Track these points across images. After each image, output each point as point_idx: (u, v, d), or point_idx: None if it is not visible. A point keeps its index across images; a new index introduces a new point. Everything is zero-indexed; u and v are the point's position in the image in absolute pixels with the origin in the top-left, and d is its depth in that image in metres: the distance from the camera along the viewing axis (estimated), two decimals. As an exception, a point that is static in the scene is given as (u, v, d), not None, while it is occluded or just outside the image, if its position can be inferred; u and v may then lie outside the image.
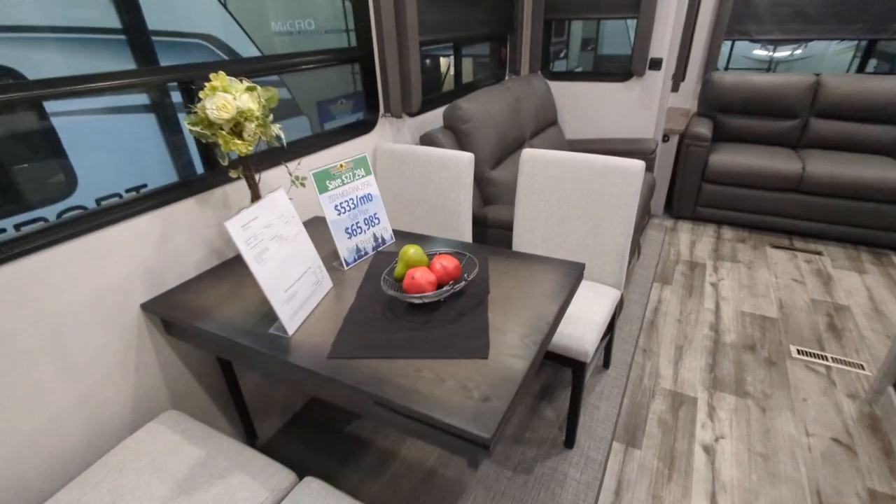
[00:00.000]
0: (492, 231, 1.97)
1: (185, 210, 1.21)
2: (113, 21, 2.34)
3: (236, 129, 1.06)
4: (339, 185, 1.21)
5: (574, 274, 1.15)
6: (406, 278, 1.01)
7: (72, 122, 2.17)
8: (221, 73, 1.05)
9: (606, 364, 1.88)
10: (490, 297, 1.07)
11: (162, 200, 1.15)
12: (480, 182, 2.06)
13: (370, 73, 1.77)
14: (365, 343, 0.93)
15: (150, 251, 1.14)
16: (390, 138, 1.92)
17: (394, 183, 1.82)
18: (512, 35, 2.82)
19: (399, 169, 1.78)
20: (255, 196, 1.21)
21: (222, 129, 1.05)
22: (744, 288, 2.40)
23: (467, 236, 1.72)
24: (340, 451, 1.55)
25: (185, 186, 1.21)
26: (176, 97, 2.65)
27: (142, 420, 1.19)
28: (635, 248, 2.72)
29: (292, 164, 1.43)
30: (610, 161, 1.48)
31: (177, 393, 1.27)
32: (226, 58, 2.89)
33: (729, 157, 2.86)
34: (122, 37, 2.40)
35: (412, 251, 1.06)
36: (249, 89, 1.07)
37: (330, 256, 1.29)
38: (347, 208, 1.23)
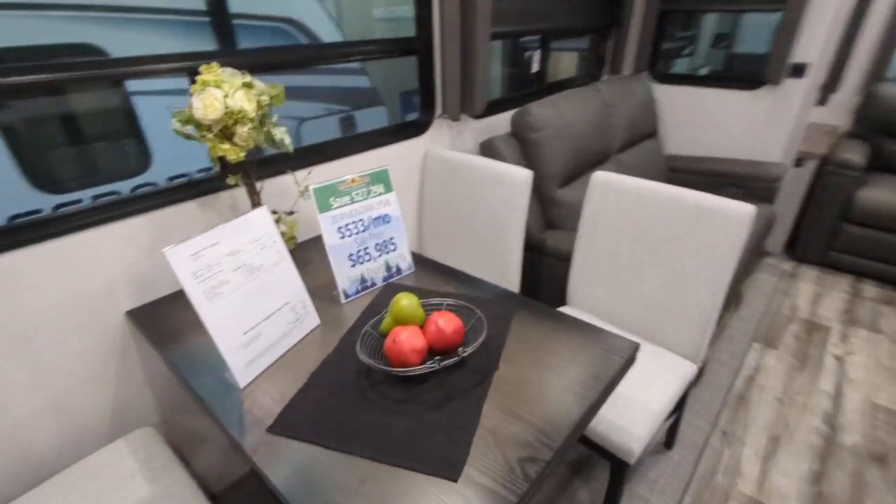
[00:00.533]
0: (548, 261, 1.67)
1: (184, 214, 1.10)
2: (197, 2, 2.37)
3: (226, 131, 0.91)
4: (347, 204, 1.02)
5: (621, 356, 0.85)
6: (388, 339, 0.79)
7: (149, 101, 2.23)
8: (215, 64, 0.90)
9: (669, 443, 1.51)
10: (498, 374, 0.82)
11: (158, 202, 1.05)
12: (545, 201, 1.76)
13: (427, 68, 1.55)
14: (316, 421, 0.74)
15: (140, 256, 1.05)
16: (447, 143, 1.70)
17: (440, 195, 1.60)
18: (617, 28, 2.43)
19: (448, 179, 1.56)
20: (258, 205, 1.07)
21: (211, 130, 0.90)
22: (883, 370, 1.84)
23: (514, 266, 1.45)
24: None
25: (188, 188, 1.10)
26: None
27: (121, 431, 1.12)
28: (732, 298, 2.23)
29: (302, 173, 1.26)
30: (707, 200, 1.13)
31: (166, 407, 1.19)
32: (306, 42, 2.86)
33: (886, 194, 2.22)
34: (205, 19, 2.41)
35: (405, 302, 0.84)
36: (246, 86, 0.91)
37: (331, 283, 1.11)
38: (354, 231, 1.04)
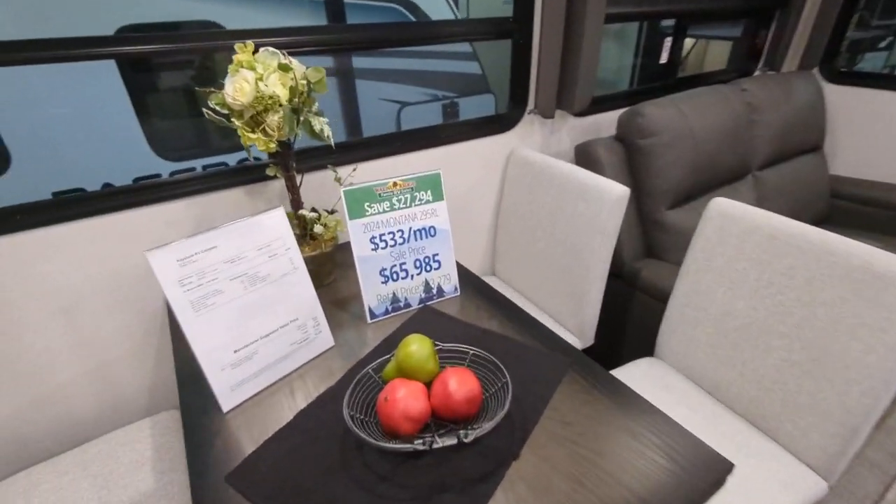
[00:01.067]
0: (639, 297, 1.37)
1: (230, 200, 1.05)
2: (310, -19, 2.38)
3: (258, 118, 0.81)
4: (386, 211, 0.88)
5: (704, 478, 0.60)
6: (381, 394, 0.63)
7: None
8: (250, 43, 0.80)
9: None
10: (515, 466, 0.62)
11: (203, 187, 1.01)
12: (647, 223, 1.45)
13: (523, 54, 1.33)
14: (277, 484, 0.61)
15: (182, 240, 1.02)
16: (537, 143, 1.47)
17: (520, 203, 1.39)
18: (783, 11, 1.93)
19: (530, 186, 1.34)
20: (296, 204, 0.97)
21: (242, 116, 0.81)
22: None
23: (593, 298, 1.20)
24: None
25: (236, 174, 1.05)
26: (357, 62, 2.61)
27: (153, 409, 1.13)
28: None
29: (346, 169, 1.14)
30: (879, 261, 0.78)
31: (200, 388, 1.19)
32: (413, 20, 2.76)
33: None
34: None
35: (414, 347, 0.67)
36: (283, 68, 0.80)
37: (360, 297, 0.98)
38: (390, 243, 0.90)
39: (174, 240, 0.66)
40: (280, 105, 0.80)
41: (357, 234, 0.86)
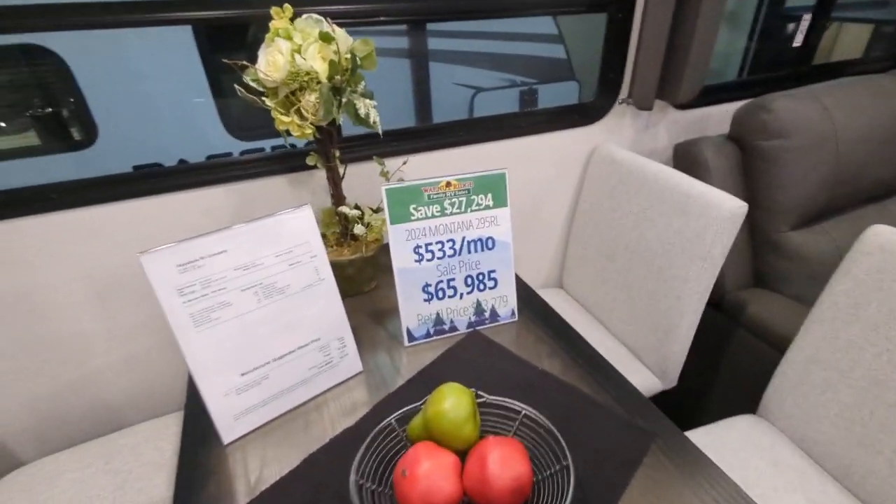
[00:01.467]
0: (742, 335, 1.12)
1: (271, 189, 0.95)
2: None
3: (293, 98, 0.69)
4: (435, 216, 0.73)
5: None
6: (398, 467, 0.49)
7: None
8: (287, 7, 0.67)
9: None
10: (572, 586, 0.45)
11: (242, 173, 0.92)
12: (760, 244, 1.18)
13: (620, 31, 1.11)
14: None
15: (219, 229, 0.94)
16: (627, 139, 1.24)
17: (600, 208, 1.18)
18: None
19: (613, 190, 1.13)
20: (338, 199, 0.85)
21: (277, 94, 0.69)
22: None
23: (682, 336, 0.98)
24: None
25: (280, 160, 0.94)
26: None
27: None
28: None
29: (395, 162, 0.98)
30: None
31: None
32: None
33: None
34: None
35: (449, 404, 0.51)
36: (324, 38, 0.67)
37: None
38: (438, 254, 0.74)
39: (209, 229, 0.56)
40: (318, 83, 0.66)
41: (398, 241, 0.72)
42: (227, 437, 0.61)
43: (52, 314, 0.89)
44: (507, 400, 0.58)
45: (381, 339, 0.79)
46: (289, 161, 0.94)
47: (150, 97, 2.03)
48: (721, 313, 1.16)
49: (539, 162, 1.17)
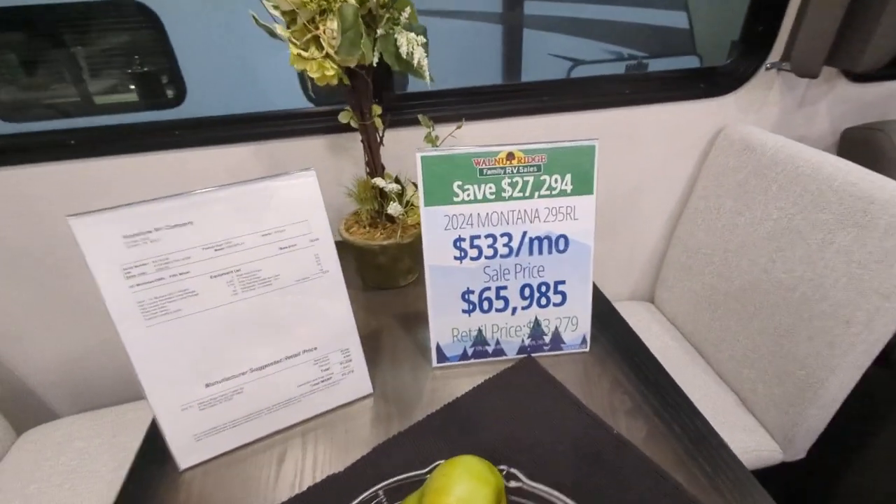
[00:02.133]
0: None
1: (305, 151, 0.80)
2: None
3: (314, 26, 0.52)
4: (487, 199, 0.53)
5: None
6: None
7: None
8: None
9: None
10: None
11: (272, 131, 0.78)
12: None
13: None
14: None
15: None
16: (770, 118, 0.93)
17: (718, 208, 0.90)
18: None
19: (745, 184, 0.84)
20: (374, 168, 0.68)
21: (295, 22, 0.53)
22: None
23: (828, 399, 0.70)
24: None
25: (319, 118, 0.79)
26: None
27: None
28: None
29: (449, 127, 0.77)
30: None
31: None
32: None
33: None
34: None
35: (462, 491, 0.33)
36: (356, -57, 0.48)
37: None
38: (487, 252, 0.55)
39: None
40: (342, 2, 0.49)
41: (434, 229, 0.53)
42: (183, 461, 0.48)
43: (76, 271, 0.83)
44: (551, 491, 0.38)
45: (407, 352, 0.62)
46: (326, 119, 0.78)
47: (239, 59, 2.01)
48: (889, 371, 0.83)
49: (643, 141, 0.91)
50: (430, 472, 0.37)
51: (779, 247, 0.76)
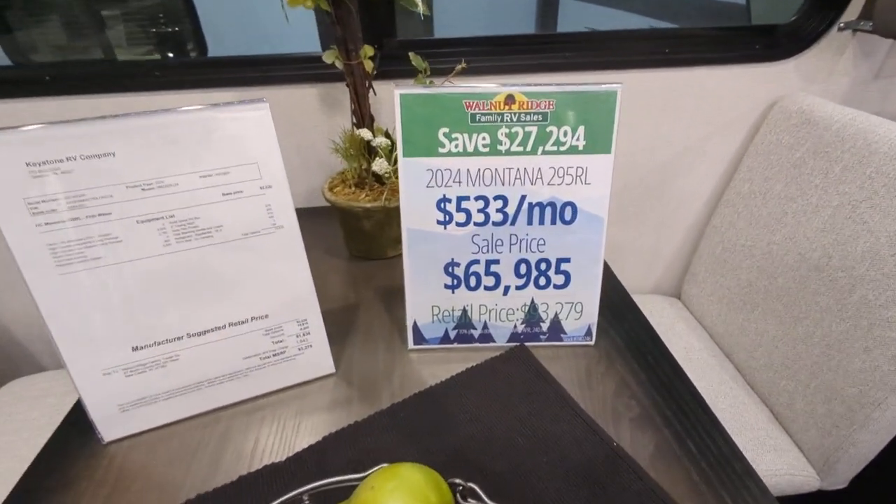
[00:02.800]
0: None
1: (294, 100, 0.73)
2: None
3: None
4: (480, 152, 0.44)
5: None
6: None
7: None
8: None
9: None
10: None
11: (260, 75, 0.70)
12: None
13: None
14: None
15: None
16: (837, 89, 0.80)
17: (763, 193, 0.78)
18: None
19: (801, 164, 0.72)
20: (361, 117, 0.59)
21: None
22: None
23: (882, 426, 0.58)
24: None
25: (307, 63, 0.71)
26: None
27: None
28: None
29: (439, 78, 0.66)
30: None
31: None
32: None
33: None
34: None
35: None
36: None
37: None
38: (477, 218, 0.46)
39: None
40: None
41: (413, 184, 0.45)
42: (106, 432, 0.42)
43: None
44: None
45: (383, 330, 0.54)
46: (316, 66, 0.70)
47: (257, 18, 1.96)
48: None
49: (681, 111, 0.79)
50: (364, 478, 0.29)
51: (837, 240, 0.64)
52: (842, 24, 0.72)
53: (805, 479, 0.66)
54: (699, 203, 0.90)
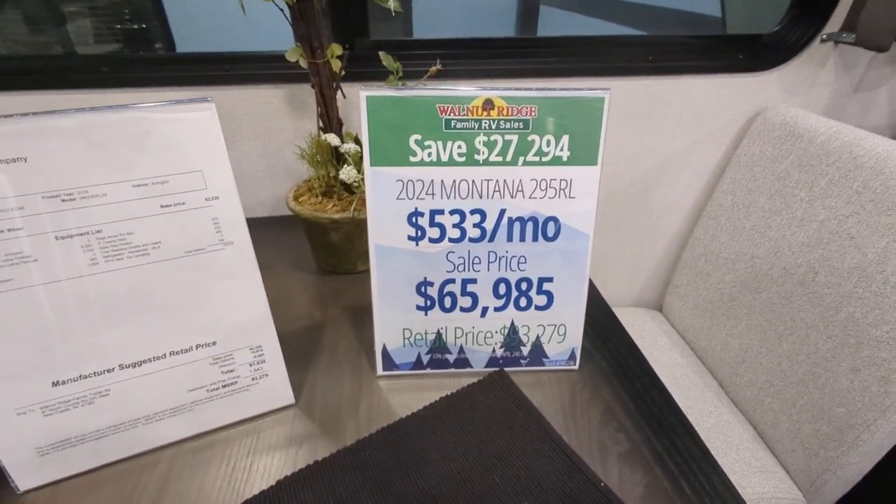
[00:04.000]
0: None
1: (262, 101, 0.67)
2: None
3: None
4: (456, 162, 0.40)
5: None
6: None
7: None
8: None
9: None
10: None
11: (223, 74, 0.65)
12: None
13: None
14: None
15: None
16: (819, 101, 0.79)
17: (746, 206, 0.77)
18: None
19: (784, 177, 0.71)
20: (328, 121, 0.55)
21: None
22: None
23: (873, 443, 0.56)
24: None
25: (273, 62, 0.66)
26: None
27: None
28: None
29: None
30: None
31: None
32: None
33: None
34: None
35: None
36: None
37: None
38: (453, 234, 0.42)
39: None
40: None
41: (381, 196, 0.40)
42: (21, 480, 0.36)
43: None
44: None
45: (349, 354, 0.49)
46: (281, 65, 0.65)
47: (230, 18, 1.89)
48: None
49: (663, 120, 0.77)
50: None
51: (823, 255, 0.62)
52: (824, 36, 0.71)
53: (791, 502, 0.64)
54: (682, 214, 0.89)
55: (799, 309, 0.65)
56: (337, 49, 0.52)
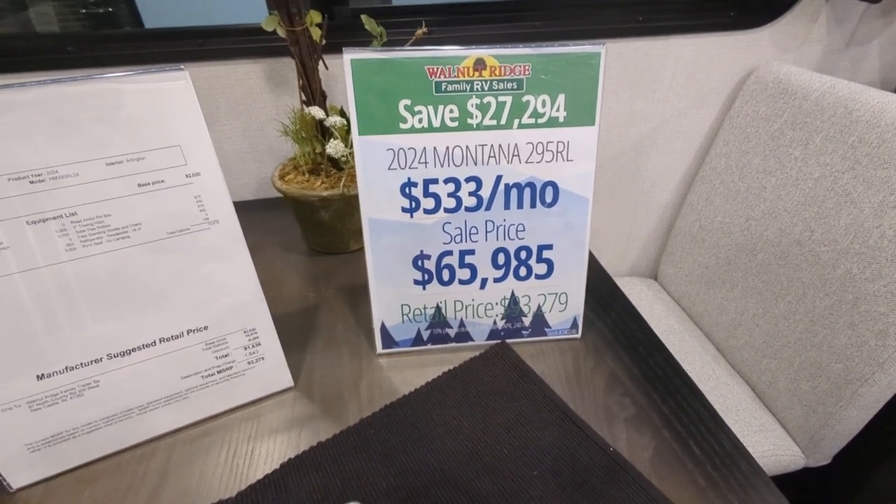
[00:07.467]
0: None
1: (242, 77, 0.64)
2: None
3: None
4: (448, 128, 0.38)
5: None
6: None
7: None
8: None
9: None
10: None
11: (200, 50, 0.62)
12: None
13: None
14: None
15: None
16: (811, 57, 0.77)
17: (740, 167, 0.76)
18: None
19: (777, 139, 0.70)
20: (310, 93, 0.53)
21: None
22: None
23: (870, 397, 0.57)
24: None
25: (246, 35, 0.63)
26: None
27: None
28: None
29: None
30: None
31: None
32: None
33: None
34: None
35: None
36: None
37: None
38: (448, 204, 0.40)
39: None
40: None
41: (372, 166, 0.39)
42: (13, 478, 0.35)
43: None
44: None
45: (348, 334, 0.48)
46: (260, 39, 0.62)
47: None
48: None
49: (653, 83, 0.76)
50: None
51: (819, 213, 0.62)
52: (819, -11, 0.70)
53: (791, 458, 0.65)
54: (675, 181, 0.88)
55: (795, 268, 0.65)
56: (316, 16, 0.49)
